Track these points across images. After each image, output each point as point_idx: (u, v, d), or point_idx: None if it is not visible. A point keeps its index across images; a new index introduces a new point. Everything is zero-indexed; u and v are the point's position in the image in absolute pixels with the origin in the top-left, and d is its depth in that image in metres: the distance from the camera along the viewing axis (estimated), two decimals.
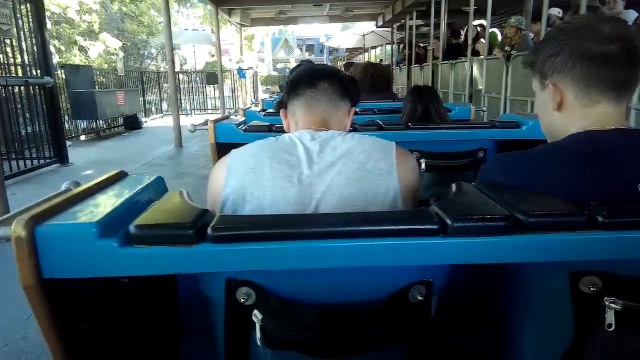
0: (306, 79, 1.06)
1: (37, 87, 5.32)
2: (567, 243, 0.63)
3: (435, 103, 2.06)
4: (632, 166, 0.75)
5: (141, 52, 17.18)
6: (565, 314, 0.70)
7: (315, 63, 1.33)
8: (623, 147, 0.78)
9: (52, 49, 8.21)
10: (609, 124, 0.80)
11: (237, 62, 14.09)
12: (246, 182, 0.87)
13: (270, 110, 2.87)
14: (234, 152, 0.94)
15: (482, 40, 6.36)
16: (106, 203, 0.70)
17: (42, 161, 5.46)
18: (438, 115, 2.05)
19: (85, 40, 12.90)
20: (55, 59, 9.61)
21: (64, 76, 7.85)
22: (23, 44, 5.18)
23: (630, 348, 0.70)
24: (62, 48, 12.15)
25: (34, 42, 5.29)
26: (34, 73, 5.34)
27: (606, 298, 0.65)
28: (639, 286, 0.66)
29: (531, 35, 4.96)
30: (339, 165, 0.88)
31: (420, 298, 0.70)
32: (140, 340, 0.82)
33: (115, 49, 13.40)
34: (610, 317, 0.65)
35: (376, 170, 0.88)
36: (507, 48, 5.11)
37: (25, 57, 5.27)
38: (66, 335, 0.67)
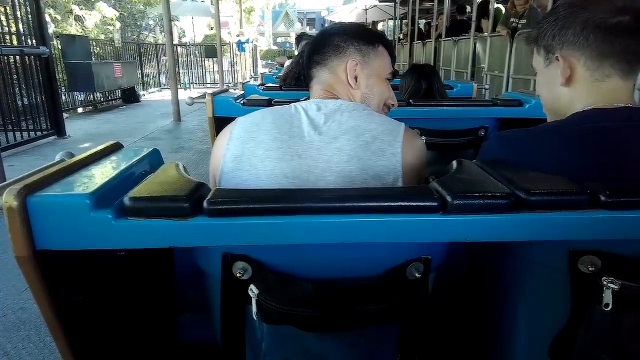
0: (314, 45, 1.04)
1: (32, 57, 5.24)
2: (568, 222, 0.62)
3: (437, 80, 2.05)
4: (638, 145, 0.74)
5: (138, 23, 16.82)
6: (562, 293, 0.69)
7: (332, 24, 1.26)
8: (630, 126, 0.76)
9: (48, 18, 8.04)
10: (617, 101, 0.79)
11: (237, 36, 13.86)
12: (246, 150, 0.86)
13: (270, 84, 2.83)
14: (239, 119, 0.92)
15: (485, 17, 6.24)
16: (100, 174, 0.69)
17: (39, 133, 5.42)
18: (439, 92, 2.03)
19: (82, 9, 12.61)
20: (51, 29, 9.40)
21: (60, 46, 7.71)
22: (18, 12, 5.07)
23: (625, 328, 0.70)
24: (58, 17, 11.88)
25: (29, 10, 5.17)
26: (29, 43, 5.24)
27: (604, 278, 0.65)
28: (637, 266, 0.66)
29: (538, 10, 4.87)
30: (341, 141, 0.86)
31: (417, 275, 0.69)
32: (137, 313, 0.82)
33: (112, 19, 13.11)
34: (607, 297, 0.65)
35: (380, 151, 0.85)
36: (512, 20, 4.99)
37: (20, 26, 5.16)
38: (61, 307, 0.66)
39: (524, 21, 4.80)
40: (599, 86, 0.80)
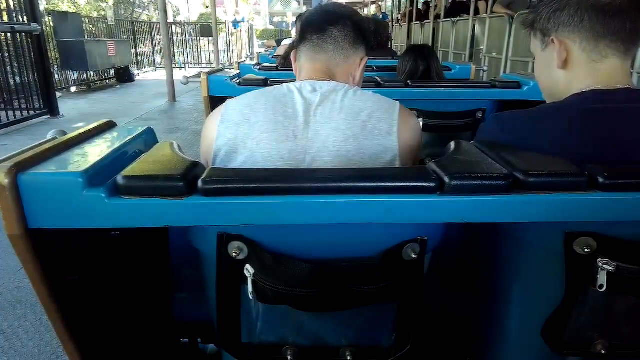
0: (315, 23, 0.98)
1: (24, 34, 5.13)
2: (565, 203, 0.62)
3: (435, 62, 2.03)
4: (638, 127, 0.74)
5: (132, 1, 16.50)
6: (557, 274, 0.70)
7: (332, 3, 1.24)
8: (629, 108, 0.76)
9: None
10: (615, 82, 0.78)
11: (234, 15, 13.66)
12: (240, 133, 0.85)
13: (266, 64, 2.79)
14: (229, 101, 0.90)
15: None
16: (93, 153, 0.68)
17: (31, 112, 5.36)
18: (437, 74, 2.02)
19: None
20: (42, 5, 9.20)
21: (52, 24, 7.56)
22: None
23: (618, 309, 0.71)
24: None
25: None
26: (21, 19, 5.13)
27: (600, 259, 0.65)
28: (632, 248, 0.66)
29: None
30: (337, 121, 0.85)
31: (414, 256, 0.69)
32: (132, 292, 0.82)
33: None
34: (602, 278, 0.65)
35: (376, 130, 0.85)
36: None
37: (11, 2, 5.04)
38: (56, 286, 0.66)
39: None
40: (596, 67, 0.80)
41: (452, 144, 0.76)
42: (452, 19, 6.78)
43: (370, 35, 1.02)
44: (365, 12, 15.77)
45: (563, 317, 0.72)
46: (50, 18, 7.63)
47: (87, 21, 9.20)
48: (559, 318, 0.73)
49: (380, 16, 11.57)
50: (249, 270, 0.68)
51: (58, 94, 6.20)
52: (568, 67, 0.82)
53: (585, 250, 0.66)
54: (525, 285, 0.80)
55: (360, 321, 0.78)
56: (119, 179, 0.60)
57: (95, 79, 8.79)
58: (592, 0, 0.77)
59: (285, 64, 2.62)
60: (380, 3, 14.73)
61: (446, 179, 0.62)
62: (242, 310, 0.75)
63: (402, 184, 0.62)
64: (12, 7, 5.08)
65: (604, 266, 0.64)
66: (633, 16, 0.76)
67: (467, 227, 0.75)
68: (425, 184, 0.62)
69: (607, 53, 0.79)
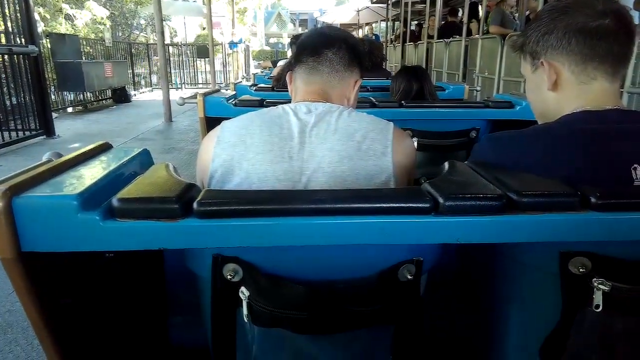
0: (310, 46, 1.00)
1: (21, 56, 5.16)
2: (559, 223, 0.62)
3: (428, 82, 2.06)
4: (627, 148, 0.75)
5: (129, 23, 16.70)
6: (553, 294, 0.70)
7: (327, 26, 1.26)
8: (619, 128, 0.77)
9: (37, 17, 7.95)
10: (605, 103, 0.80)
11: (231, 36, 13.86)
12: (235, 154, 0.85)
13: (262, 85, 2.82)
14: (224, 123, 0.91)
15: (474, 20, 6.29)
16: (89, 175, 0.68)
17: (27, 133, 5.35)
18: (430, 94, 2.04)
19: (72, 8, 12.49)
20: (40, 28, 9.29)
21: (49, 45, 7.62)
22: (6, 10, 5.00)
23: (615, 329, 0.71)
24: (47, 16, 11.75)
25: (18, 8, 5.10)
26: (18, 41, 5.18)
27: (595, 279, 0.65)
28: (627, 267, 0.66)
29: (527, 12, 4.91)
30: (332, 142, 0.86)
31: (409, 277, 0.69)
32: (127, 315, 0.81)
33: (102, 18, 13.00)
34: (598, 298, 0.65)
35: (370, 151, 0.85)
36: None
37: (9, 24, 5.09)
38: (48, 310, 0.65)
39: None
40: (586, 89, 0.81)
41: (446, 165, 0.76)
42: (445, 39, 6.90)
43: (364, 57, 1.04)
44: (360, 33, 16.05)
45: (561, 338, 0.72)
46: (48, 40, 7.70)
47: (84, 43, 9.29)
48: (557, 338, 0.72)
49: (373, 37, 11.78)
50: (243, 292, 0.67)
51: (54, 115, 6.21)
52: (558, 89, 0.84)
53: (581, 270, 0.66)
54: (522, 306, 0.79)
55: (357, 344, 0.77)
56: (114, 201, 0.60)
57: (92, 99, 8.82)
58: (580, 23, 0.78)
59: (279, 85, 2.64)
60: (373, 25, 15.00)
61: (440, 200, 0.62)
62: (237, 333, 0.74)
63: (397, 205, 0.63)
64: (10, 29, 5.13)
65: (599, 286, 0.64)
66: (620, 39, 0.78)
67: (463, 247, 0.75)
68: (419, 205, 0.62)
69: (596, 75, 0.80)
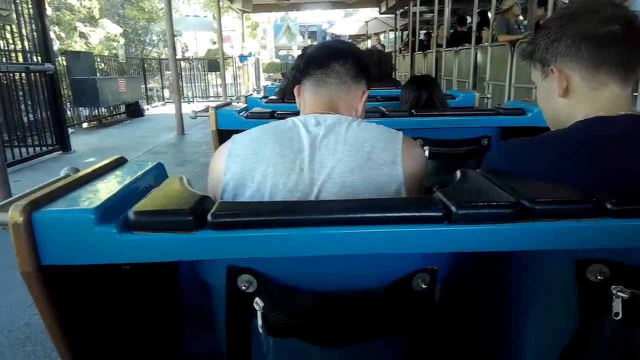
0: (317, 59, 1.01)
1: (38, 73, 5.30)
2: (574, 231, 0.62)
3: (438, 91, 2.06)
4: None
5: (142, 39, 17.04)
6: (570, 303, 0.69)
7: (333, 40, 1.28)
8: (633, 134, 0.76)
9: (53, 35, 8.16)
10: (618, 109, 0.79)
11: (242, 50, 14.04)
12: (247, 167, 0.86)
13: (273, 97, 2.84)
14: (235, 136, 0.92)
15: (485, 27, 6.28)
16: (105, 189, 0.69)
17: (44, 148, 5.46)
18: (440, 102, 2.04)
19: (86, 26, 12.79)
20: (56, 46, 9.55)
21: (65, 63, 7.81)
22: (23, 30, 5.15)
23: (636, 338, 0.69)
24: (62, 34, 12.06)
25: (34, 28, 5.25)
26: (35, 60, 5.31)
27: (614, 287, 0.64)
28: None
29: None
30: (342, 152, 0.86)
31: (424, 286, 0.69)
32: (141, 327, 0.81)
33: (115, 36, 13.29)
34: (617, 306, 0.64)
35: (380, 160, 0.86)
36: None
37: (26, 43, 5.24)
38: (66, 322, 0.66)
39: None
40: (597, 95, 0.81)
41: (459, 173, 0.76)
42: (454, 48, 6.90)
43: (371, 69, 1.05)
44: (369, 44, 16.13)
45: (579, 347, 0.70)
46: (63, 57, 7.89)
47: (98, 59, 9.49)
48: (576, 348, 0.71)
49: (380, 47, 11.86)
50: (258, 303, 0.67)
51: (70, 130, 6.33)
52: (569, 96, 0.83)
53: (598, 277, 0.65)
54: (539, 315, 0.78)
55: (371, 354, 0.77)
56: (130, 214, 0.61)
57: (106, 114, 8.98)
58: (588, 30, 0.78)
59: (284, 98, 2.66)
60: (381, 35, 15.07)
61: (453, 208, 0.62)
62: (252, 344, 0.74)
63: (410, 214, 0.63)
64: (27, 48, 5.27)
65: (618, 293, 0.63)
66: (629, 44, 0.77)
67: (477, 256, 0.74)
68: (432, 214, 0.62)
69: (607, 80, 0.80)
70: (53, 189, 0.65)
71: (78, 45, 11.84)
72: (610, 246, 0.63)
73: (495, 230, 0.62)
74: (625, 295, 0.63)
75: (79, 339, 0.68)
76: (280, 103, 2.51)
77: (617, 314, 0.64)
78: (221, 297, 0.71)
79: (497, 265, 0.86)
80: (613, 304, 0.64)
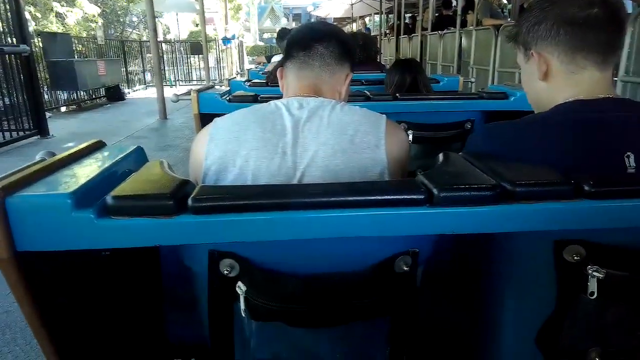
0: (301, 41, 0.99)
1: (13, 55, 5.12)
2: (553, 212, 0.63)
3: (422, 75, 2.06)
4: (620, 136, 0.75)
5: (122, 20, 16.56)
6: (548, 283, 0.70)
7: (318, 21, 1.27)
8: (611, 117, 0.77)
9: (28, 16, 7.87)
10: (597, 92, 0.80)
11: (224, 32, 13.79)
12: (229, 150, 0.85)
13: (256, 80, 2.81)
14: (217, 120, 0.91)
15: (470, 11, 6.27)
16: (82, 173, 0.68)
17: (21, 133, 5.31)
18: (425, 86, 2.05)
19: (63, 6, 12.36)
20: (31, 27, 9.21)
21: (41, 44, 7.56)
22: None
23: (610, 316, 0.72)
24: (38, 15, 11.63)
25: (8, 8, 5.05)
26: (9, 41, 5.13)
27: (589, 267, 0.65)
28: (621, 255, 0.67)
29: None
30: (325, 135, 0.86)
31: (405, 268, 0.69)
32: (124, 313, 0.81)
33: (94, 16, 12.89)
34: (592, 286, 0.65)
35: (364, 143, 0.85)
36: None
37: (0, 24, 5.05)
38: (45, 309, 0.65)
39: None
40: (576, 78, 0.82)
41: (441, 156, 0.76)
42: (439, 32, 6.88)
43: (355, 51, 1.04)
44: (354, 27, 15.99)
45: (556, 325, 0.72)
46: (39, 39, 7.63)
47: (76, 41, 9.21)
48: (553, 326, 0.73)
49: (364, 30, 11.78)
50: (240, 287, 0.67)
51: (48, 114, 6.16)
52: (549, 79, 0.84)
53: (575, 258, 0.67)
54: (518, 295, 0.80)
55: (354, 336, 0.77)
56: (108, 199, 0.60)
57: (86, 98, 8.77)
58: (568, 14, 0.79)
59: (274, 80, 2.63)
60: (366, 19, 14.95)
61: (435, 191, 0.62)
62: (235, 328, 0.74)
63: (392, 197, 0.63)
64: (1, 29, 5.08)
65: (594, 273, 0.65)
66: (609, 27, 0.78)
67: (458, 238, 0.75)
68: (414, 196, 0.63)
69: (585, 64, 0.80)
70: (28, 174, 0.63)
71: (54, 26, 11.46)
72: (587, 227, 0.65)
73: (476, 212, 0.62)
74: (600, 275, 0.65)
75: (59, 326, 0.68)
76: (263, 87, 2.48)
77: (592, 293, 0.66)
78: (204, 281, 0.70)
79: (478, 248, 0.87)
80: (589, 283, 0.66)
